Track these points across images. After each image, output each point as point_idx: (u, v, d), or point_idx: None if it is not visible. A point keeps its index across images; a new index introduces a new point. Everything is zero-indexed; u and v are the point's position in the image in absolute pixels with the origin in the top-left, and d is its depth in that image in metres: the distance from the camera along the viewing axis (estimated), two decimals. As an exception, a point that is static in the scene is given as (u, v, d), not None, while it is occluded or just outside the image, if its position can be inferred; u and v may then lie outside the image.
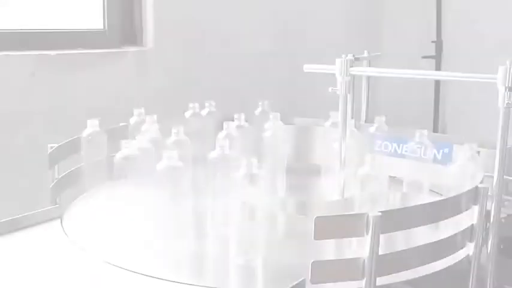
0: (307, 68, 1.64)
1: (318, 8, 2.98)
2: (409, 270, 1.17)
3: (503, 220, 1.46)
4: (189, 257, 1.33)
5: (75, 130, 1.67)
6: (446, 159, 1.59)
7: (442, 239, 1.23)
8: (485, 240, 1.31)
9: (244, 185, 1.32)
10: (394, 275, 1.14)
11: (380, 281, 1.10)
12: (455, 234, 1.24)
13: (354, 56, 1.54)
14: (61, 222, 1.48)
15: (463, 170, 1.45)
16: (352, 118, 1.77)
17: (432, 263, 1.21)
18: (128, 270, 1.22)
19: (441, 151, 1.60)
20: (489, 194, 1.28)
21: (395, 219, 1.13)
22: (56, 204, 1.52)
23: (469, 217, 1.29)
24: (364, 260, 1.08)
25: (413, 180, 1.54)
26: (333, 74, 1.53)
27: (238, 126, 1.69)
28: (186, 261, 1.31)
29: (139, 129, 1.63)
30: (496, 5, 2.86)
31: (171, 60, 2.41)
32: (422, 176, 1.53)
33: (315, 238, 1.06)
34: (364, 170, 1.36)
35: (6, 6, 2.15)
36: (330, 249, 1.27)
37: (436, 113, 3.22)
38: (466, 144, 1.47)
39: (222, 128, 1.61)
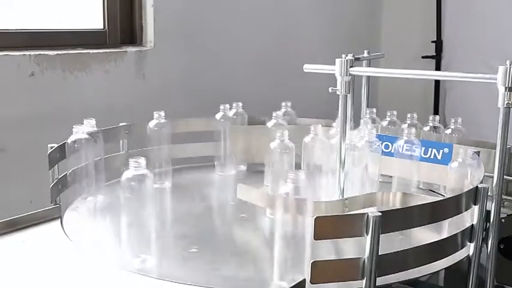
0: (307, 68, 1.64)
1: (319, 8, 2.99)
2: (409, 270, 1.17)
3: (503, 220, 1.46)
4: (188, 257, 1.33)
5: (75, 130, 1.67)
6: (446, 159, 1.59)
7: (442, 239, 1.23)
8: (485, 240, 1.31)
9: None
10: (394, 275, 1.14)
11: (380, 281, 1.10)
12: (455, 234, 1.24)
13: (354, 56, 1.53)
14: (61, 222, 1.48)
15: (463, 170, 1.45)
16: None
17: (432, 263, 1.21)
18: (127, 270, 1.22)
19: (441, 151, 1.61)
20: (489, 194, 1.28)
21: (395, 219, 1.13)
22: (56, 204, 1.52)
23: (469, 217, 1.29)
24: (364, 260, 1.08)
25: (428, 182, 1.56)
26: (333, 74, 1.53)
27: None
28: (186, 261, 1.31)
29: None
30: (496, 5, 2.86)
31: (171, 60, 2.41)
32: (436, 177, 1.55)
33: (315, 238, 1.06)
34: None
35: (10, 8, 2.15)
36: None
37: (436, 113, 3.22)
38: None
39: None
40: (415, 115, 1.95)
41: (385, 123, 1.95)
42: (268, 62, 2.76)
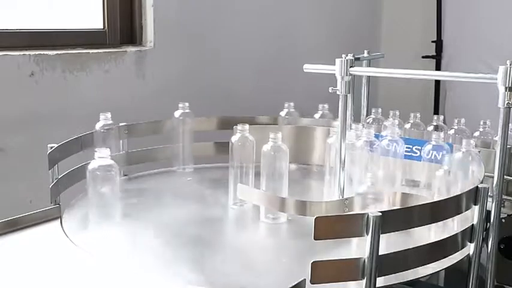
0: (307, 68, 1.64)
1: (319, 8, 2.98)
2: (409, 270, 1.17)
3: (503, 220, 1.46)
4: (188, 257, 1.33)
5: (75, 130, 1.68)
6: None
7: (442, 239, 1.23)
8: (485, 240, 1.31)
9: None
10: (394, 275, 1.14)
11: (380, 281, 1.10)
12: (456, 234, 1.24)
13: (354, 56, 1.53)
14: (61, 222, 1.48)
15: (463, 169, 1.45)
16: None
17: (432, 263, 1.21)
18: (127, 270, 1.22)
19: (441, 152, 1.60)
20: (489, 194, 1.28)
21: (395, 219, 1.13)
22: (56, 204, 1.52)
23: (469, 217, 1.29)
24: (364, 260, 1.08)
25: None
26: (333, 74, 1.53)
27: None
28: (186, 261, 1.31)
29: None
30: (496, 4, 2.86)
31: (170, 60, 2.41)
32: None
33: (315, 238, 1.06)
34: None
35: (13, 9, 2.15)
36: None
37: (436, 113, 3.22)
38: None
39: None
40: (418, 114, 1.95)
41: (388, 123, 1.94)
42: (268, 61, 2.76)
